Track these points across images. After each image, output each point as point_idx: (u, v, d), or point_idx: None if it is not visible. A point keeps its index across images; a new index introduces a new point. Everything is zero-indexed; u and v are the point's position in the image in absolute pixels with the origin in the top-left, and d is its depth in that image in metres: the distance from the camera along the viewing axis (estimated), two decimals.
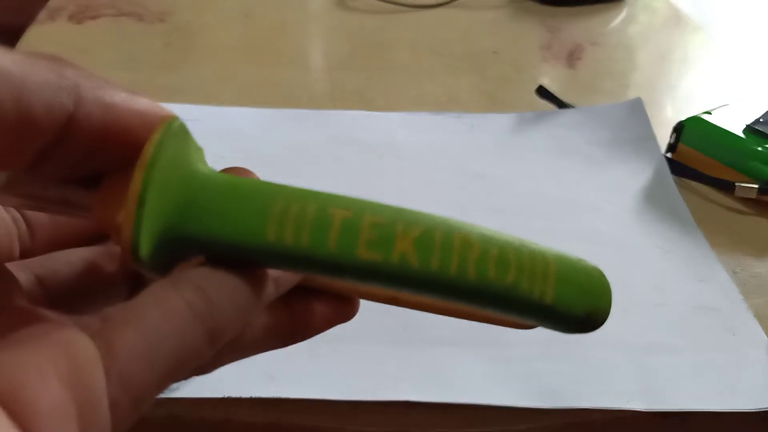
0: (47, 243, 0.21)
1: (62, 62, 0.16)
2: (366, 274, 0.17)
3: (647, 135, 0.52)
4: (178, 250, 0.17)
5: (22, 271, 0.20)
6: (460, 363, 0.36)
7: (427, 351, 0.36)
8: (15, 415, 0.13)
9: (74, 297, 0.21)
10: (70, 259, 0.21)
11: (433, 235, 0.17)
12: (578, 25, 0.68)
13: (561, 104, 0.55)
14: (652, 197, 0.47)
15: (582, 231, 0.45)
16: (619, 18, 0.71)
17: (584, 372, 0.35)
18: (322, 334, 0.23)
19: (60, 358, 0.14)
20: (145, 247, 0.17)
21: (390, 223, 0.17)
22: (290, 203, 0.17)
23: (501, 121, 0.54)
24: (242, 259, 0.18)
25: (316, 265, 0.17)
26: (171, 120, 0.17)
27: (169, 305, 0.16)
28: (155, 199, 0.16)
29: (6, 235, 0.20)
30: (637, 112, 0.54)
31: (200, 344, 0.16)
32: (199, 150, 0.19)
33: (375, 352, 0.36)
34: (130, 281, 0.22)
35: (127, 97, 0.17)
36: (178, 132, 0.17)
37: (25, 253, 0.21)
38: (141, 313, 0.16)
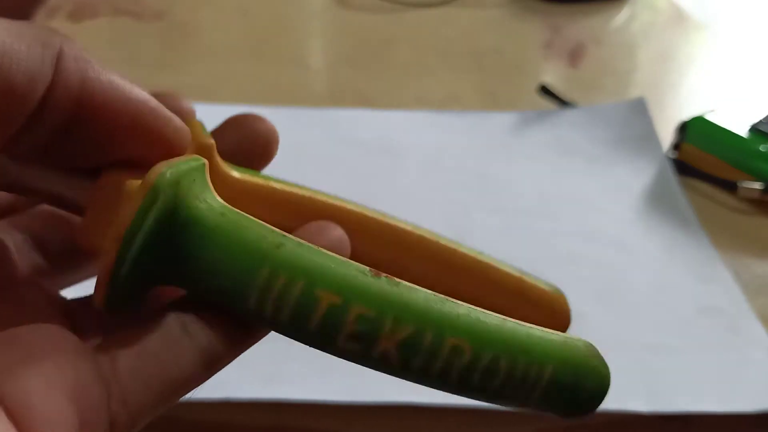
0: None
1: (49, 31, 0.16)
2: (343, 356, 0.17)
3: (650, 134, 0.52)
4: (153, 288, 0.17)
5: (13, 233, 0.20)
6: None
7: None
8: (17, 419, 0.14)
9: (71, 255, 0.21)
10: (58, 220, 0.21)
11: (422, 338, 0.16)
12: (580, 24, 0.68)
13: (563, 103, 0.55)
14: (655, 197, 0.47)
15: (584, 231, 0.44)
16: (621, 16, 0.70)
17: None
18: None
19: (67, 369, 0.15)
20: (120, 302, 0.16)
21: (378, 317, 0.16)
22: (277, 275, 0.16)
23: (502, 120, 0.54)
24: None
25: (293, 337, 0.17)
26: (156, 179, 0.16)
27: (170, 335, 0.17)
28: (133, 256, 0.16)
29: None
30: (640, 112, 0.54)
31: (197, 371, 0.17)
32: (204, 185, 0.17)
33: None
34: None
35: (106, 74, 0.17)
36: (169, 185, 0.16)
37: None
38: (143, 339, 0.16)
